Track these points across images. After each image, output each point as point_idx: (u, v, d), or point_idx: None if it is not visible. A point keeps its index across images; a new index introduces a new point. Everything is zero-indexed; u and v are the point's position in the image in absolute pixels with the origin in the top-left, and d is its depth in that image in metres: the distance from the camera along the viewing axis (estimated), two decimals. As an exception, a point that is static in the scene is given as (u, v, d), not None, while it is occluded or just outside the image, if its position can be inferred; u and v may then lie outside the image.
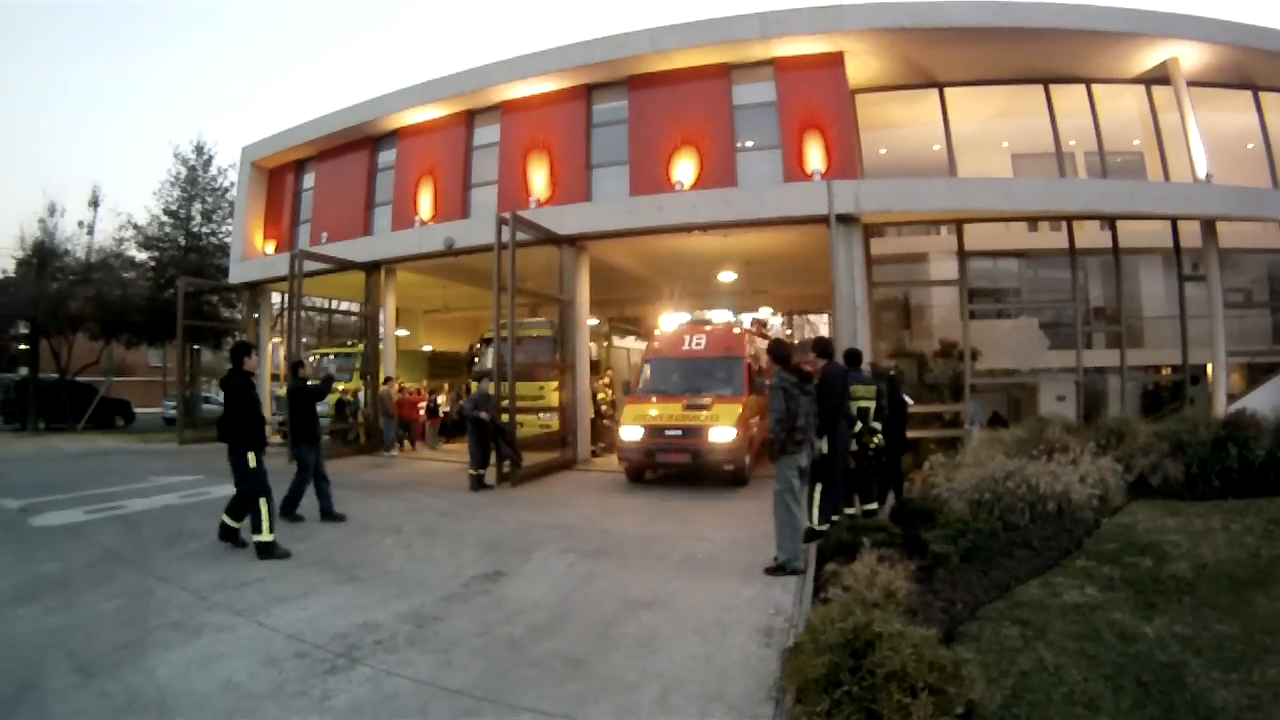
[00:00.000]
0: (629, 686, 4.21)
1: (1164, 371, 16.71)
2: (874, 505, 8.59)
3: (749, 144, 14.98)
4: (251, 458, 7.54)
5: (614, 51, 15.34)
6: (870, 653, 3.22)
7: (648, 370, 13.80)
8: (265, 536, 7.44)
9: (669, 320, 15.30)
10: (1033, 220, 16.32)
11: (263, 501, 7.47)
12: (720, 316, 14.64)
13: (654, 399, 12.78)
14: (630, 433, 12.30)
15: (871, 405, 8.48)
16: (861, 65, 14.51)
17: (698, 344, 13.62)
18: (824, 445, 7.54)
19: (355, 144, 19.94)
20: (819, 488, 7.72)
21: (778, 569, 6.50)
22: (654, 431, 12.13)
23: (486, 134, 17.66)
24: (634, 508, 10.33)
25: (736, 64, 15.01)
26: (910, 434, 11.88)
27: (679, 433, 11.93)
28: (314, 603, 5.94)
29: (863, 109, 15.34)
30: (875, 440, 8.52)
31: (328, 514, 9.36)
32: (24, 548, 7.89)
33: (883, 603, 4.40)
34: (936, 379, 14.25)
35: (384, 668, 4.58)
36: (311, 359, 20.42)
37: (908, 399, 10.24)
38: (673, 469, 12.41)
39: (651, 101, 15.66)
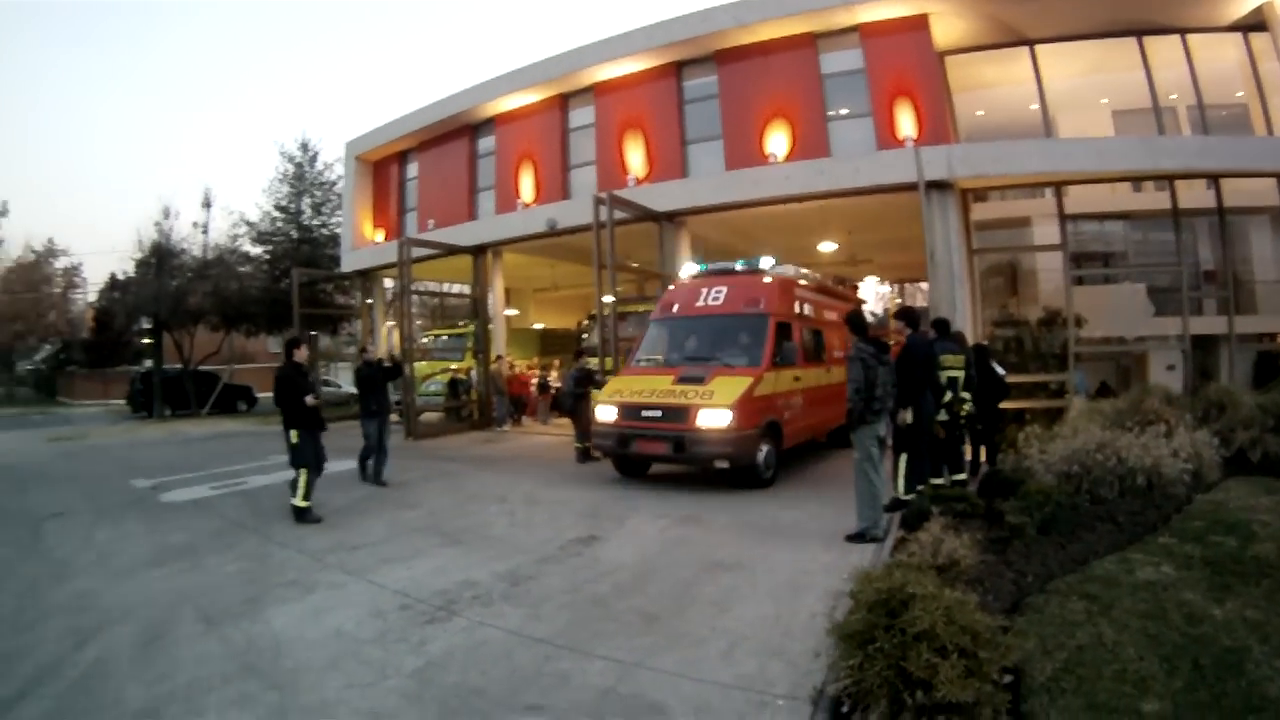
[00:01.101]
0: (698, 640, 4.45)
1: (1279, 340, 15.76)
2: (963, 475, 8.51)
3: (841, 112, 14.81)
4: (293, 435, 8.38)
5: (699, 28, 15.37)
6: (904, 612, 3.33)
7: (651, 333, 11.33)
8: (299, 502, 8.32)
9: (689, 269, 12.23)
10: (1130, 180, 15.47)
11: (302, 472, 8.33)
12: (764, 264, 11.21)
13: (649, 369, 10.56)
14: (604, 413, 9.97)
15: (961, 375, 8.41)
16: (948, 26, 14.12)
17: (715, 298, 10.73)
18: (909, 415, 7.56)
19: (455, 133, 20.62)
20: (904, 457, 7.77)
21: (857, 536, 6.61)
22: (629, 412, 9.65)
23: (581, 116, 18.04)
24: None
25: (822, 32, 14.80)
26: (1014, 404, 11.64)
27: (658, 414, 9.40)
28: (420, 564, 6.40)
29: (954, 71, 14.99)
30: (965, 410, 8.47)
31: (376, 478, 10.62)
32: (155, 520, 8.58)
33: (945, 570, 4.50)
34: (1041, 347, 13.87)
35: (478, 619, 4.98)
36: (425, 340, 21.33)
37: (999, 369, 10.06)
38: (653, 461, 10.19)
39: (741, 75, 15.64)
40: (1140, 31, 14.27)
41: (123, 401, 32.38)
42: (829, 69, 14.88)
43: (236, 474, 11.72)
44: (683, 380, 9.54)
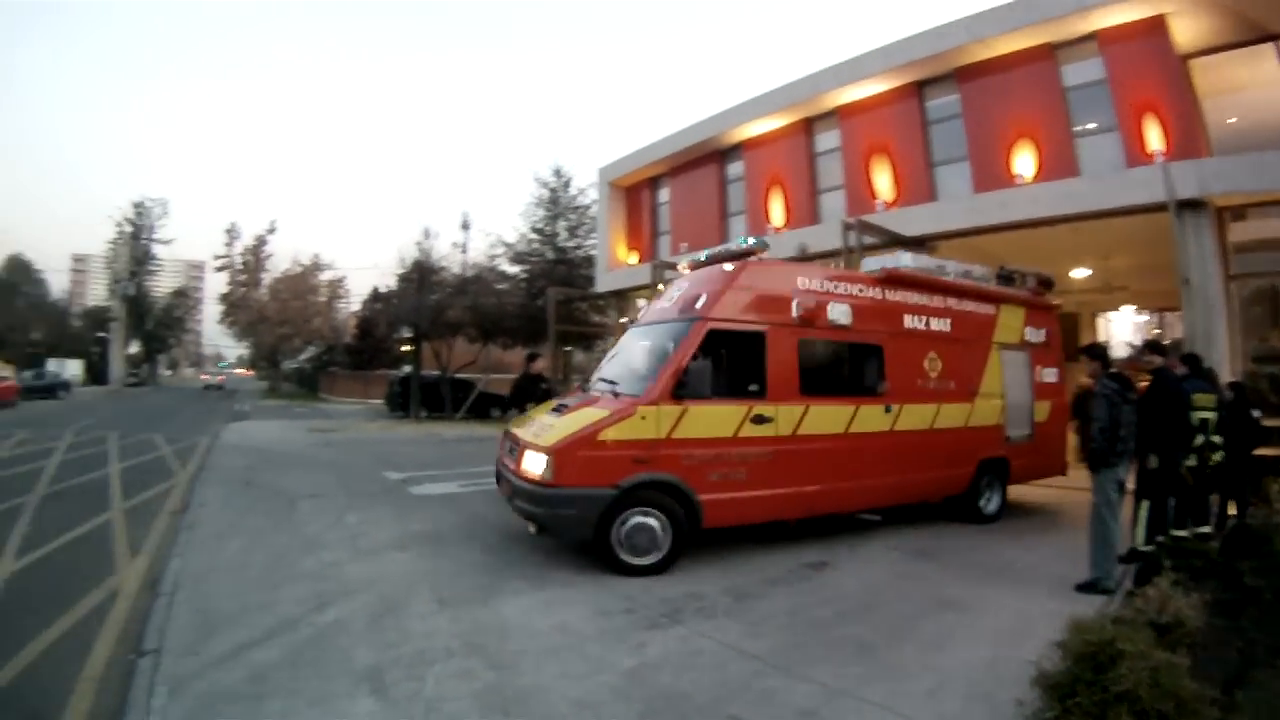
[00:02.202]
0: (908, 675, 4.55)
1: None
2: (1208, 529, 7.90)
3: (1088, 127, 14.13)
4: None
5: (935, 46, 15.24)
6: (1110, 668, 3.27)
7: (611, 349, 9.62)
8: None
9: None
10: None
11: None
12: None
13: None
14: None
15: (1213, 417, 7.81)
16: (1185, 26, 13.01)
17: (670, 299, 8.44)
18: (1155, 459, 7.13)
19: (704, 158, 21.51)
20: (1145, 505, 7.37)
21: (1088, 586, 6.41)
22: (507, 445, 7.96)
23: (827, 140, 18.39)
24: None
25: (1059, 43, 14.25)
26: (1272, 451, 10.60)
27: (510, 450, 7.70)
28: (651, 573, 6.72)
29: (1202, 75, 13.67)
30: (1216, 456, 7.84)
31: None
32: (403, 510, 9.47)
33: (1167, 630, 4.34)
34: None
35: (697, 629, 5.28)
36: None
37: (1254, 412, 9.21)
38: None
39: (982, 92, 15.35)
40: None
41: (380, 401, 35.80)
42: (1070, 81, 14.32)
43: (485, 474, 12.12)
44: (556, 410, 7.69)
